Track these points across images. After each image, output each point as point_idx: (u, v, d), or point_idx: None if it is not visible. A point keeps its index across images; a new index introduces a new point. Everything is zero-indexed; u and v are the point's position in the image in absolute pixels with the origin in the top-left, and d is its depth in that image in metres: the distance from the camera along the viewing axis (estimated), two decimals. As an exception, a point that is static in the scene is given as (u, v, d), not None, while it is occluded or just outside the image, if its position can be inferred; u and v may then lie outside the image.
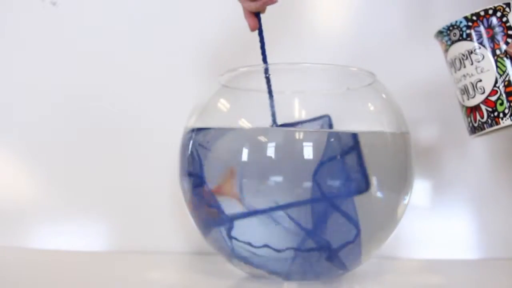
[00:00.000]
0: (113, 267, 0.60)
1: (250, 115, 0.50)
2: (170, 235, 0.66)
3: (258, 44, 0.53)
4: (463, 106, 0.47)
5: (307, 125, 0.49)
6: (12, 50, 0.71)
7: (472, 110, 0.46)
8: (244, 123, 0.49)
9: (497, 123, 0.44)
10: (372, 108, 0.52)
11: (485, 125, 0.45)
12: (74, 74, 0.69)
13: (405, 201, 0.51)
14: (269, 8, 0.53)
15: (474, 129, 0.47)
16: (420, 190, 0.64)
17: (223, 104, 0.52)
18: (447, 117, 0.65)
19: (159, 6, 0.69)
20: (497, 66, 0.44)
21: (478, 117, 0.46)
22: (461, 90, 0.47)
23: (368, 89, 0.52)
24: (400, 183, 0.51)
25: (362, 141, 0.49)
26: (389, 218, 0.51)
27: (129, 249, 0.66)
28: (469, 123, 0.47)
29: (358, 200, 0.48)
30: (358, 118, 0.51)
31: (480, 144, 0.65)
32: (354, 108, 0.52)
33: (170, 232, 0.66)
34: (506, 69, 0.44)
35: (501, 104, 0.44)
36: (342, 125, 0.51)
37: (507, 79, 0.44)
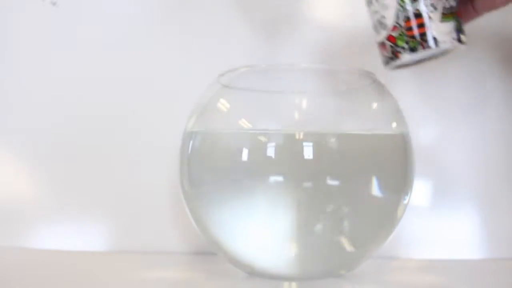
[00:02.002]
0: (113, 267, 0.60)
1: (250, 115, 0.49)
2: (170, 235, 0.66)
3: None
4: (376, 42, 0.50)
5: None
6: (12, 50, 0.71)
7: (381, 46, 0.48)
8: (245, 124, 0.49)
9: (398, 58, 0.47)
10: (371, 108, 0.52)
11: (390, 60, 0.48)
12: (74, 74, 0.69)
13: (405, 201, 0.51)
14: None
15: (384, 64, 0.49)
16: (420, 190, 0.64)
17: (223, 104, 0.52)
18: (448, 116, 0.65)
19: (159, 7, 0.69)
20: (397, 2, 0.46)
21: (385, 53, 0.48)
22: (373, 27, 0.49)
23: (368, 89, 0.52)
24: (400, 183, 0.51)
25: (362, 141, 0.49)
26: (389, 218, 0.51)
27: (129, 249, 0.66)
28: (381, 58, 0.49)
29: (358, 200, 0.48)
30: (358, 118, 0.51)
31: (481, 142, 0.65)
32: (353, 108, 0.52)
33: (170, 232, 0.66)
34: (405, 4, 0.45)
35: (401, 39, 0.46)
36: (342, 125, 0.51)
37: (407, 14, 0.45)
